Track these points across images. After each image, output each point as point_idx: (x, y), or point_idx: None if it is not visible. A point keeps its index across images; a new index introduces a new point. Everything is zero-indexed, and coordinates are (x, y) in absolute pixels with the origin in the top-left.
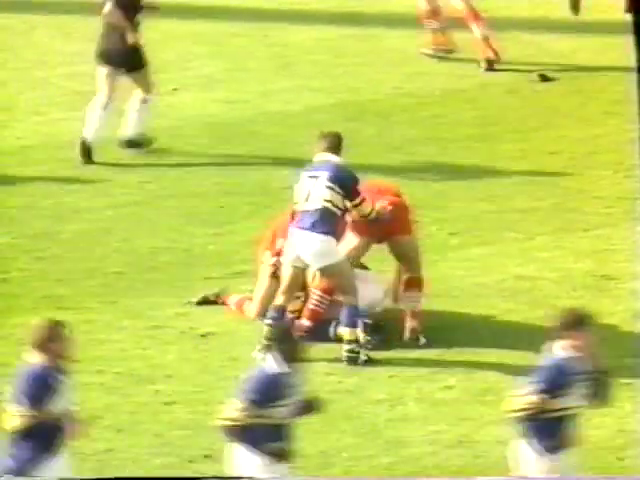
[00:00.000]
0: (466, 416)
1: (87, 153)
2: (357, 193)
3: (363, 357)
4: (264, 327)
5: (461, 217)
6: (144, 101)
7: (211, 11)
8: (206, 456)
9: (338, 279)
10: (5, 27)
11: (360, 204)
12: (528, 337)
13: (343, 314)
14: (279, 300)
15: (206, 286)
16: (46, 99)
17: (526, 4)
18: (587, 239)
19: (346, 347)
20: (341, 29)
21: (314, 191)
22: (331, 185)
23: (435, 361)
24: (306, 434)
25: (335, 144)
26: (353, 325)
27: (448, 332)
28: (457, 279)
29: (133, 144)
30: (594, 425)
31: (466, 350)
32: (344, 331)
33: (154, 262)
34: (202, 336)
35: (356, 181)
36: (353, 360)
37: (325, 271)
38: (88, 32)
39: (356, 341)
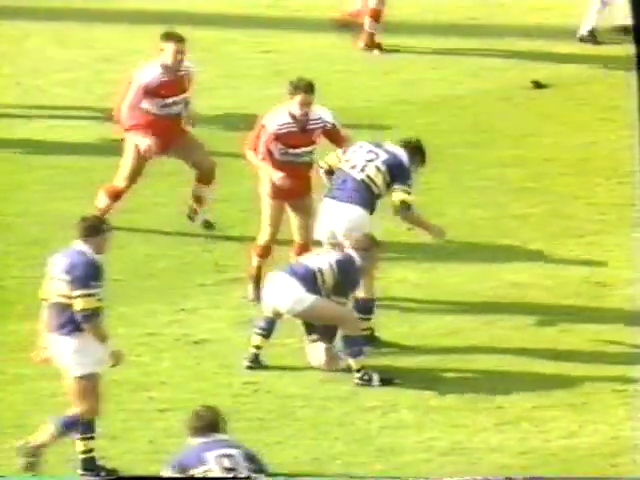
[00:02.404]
0: (460, 423)
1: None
2: (406, 179)
3: (376, 382)
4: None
5: (455, 224)
6: (603, 3)
7: (205, 18)
8: None
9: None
10: None
11: (403, 190)
12: (522, 344)
13: (346, 344)
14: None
15: (200, 293)
16: (40, 106)
17: (521, 11)
18: (581, 246)
19: (357, 375)
20: (335, 36)
21: (367, 167)
22: (383, 169)
23: (428, 368)
24: (299, 441)
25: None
26: (358, 354)
27: (442, 339)
28: (451, 285)
29: (590, 38)
30: (587, 432)
31: (460, 357)
32: (351, 362)
33: (148, 269)
34: (196, 343)
35: (409, 175)
36: (367, 383)
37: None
38: (82, 39)
39: (364, 367)
